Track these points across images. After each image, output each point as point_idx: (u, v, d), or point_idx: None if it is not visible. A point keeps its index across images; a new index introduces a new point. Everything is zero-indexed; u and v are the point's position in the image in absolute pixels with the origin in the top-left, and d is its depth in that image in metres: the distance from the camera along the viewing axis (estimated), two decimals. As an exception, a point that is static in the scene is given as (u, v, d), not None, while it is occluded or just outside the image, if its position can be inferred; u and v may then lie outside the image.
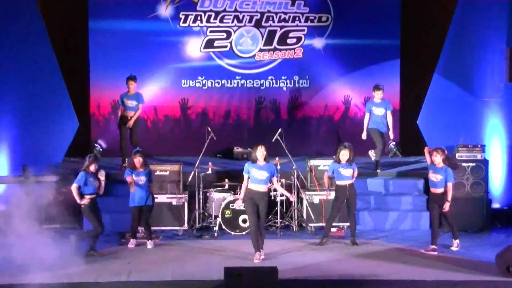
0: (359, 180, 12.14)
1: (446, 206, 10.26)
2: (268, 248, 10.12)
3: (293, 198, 10.83)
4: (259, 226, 9.89)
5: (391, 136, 12.78)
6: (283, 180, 11.69)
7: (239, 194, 11.18)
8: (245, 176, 9.97)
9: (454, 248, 10.48)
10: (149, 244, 10.66)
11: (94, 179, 10.24)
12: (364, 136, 12.71)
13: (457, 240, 10.54)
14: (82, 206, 10.20)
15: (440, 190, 10.36)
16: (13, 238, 9.92)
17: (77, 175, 10.22)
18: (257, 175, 9.85)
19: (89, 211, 10.21)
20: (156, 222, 11.44)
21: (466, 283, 8.76)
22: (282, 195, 11.50)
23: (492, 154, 12.53)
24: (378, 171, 12.60)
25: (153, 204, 10.85)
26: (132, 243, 10.70)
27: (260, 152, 9.89)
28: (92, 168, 10.22)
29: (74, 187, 10.10)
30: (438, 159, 10.35)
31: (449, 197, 10.29)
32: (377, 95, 12.69)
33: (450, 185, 10.32)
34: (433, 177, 10.41)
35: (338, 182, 10.79)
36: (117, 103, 13.31)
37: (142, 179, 10.65)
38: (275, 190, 11.26)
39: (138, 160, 10.67)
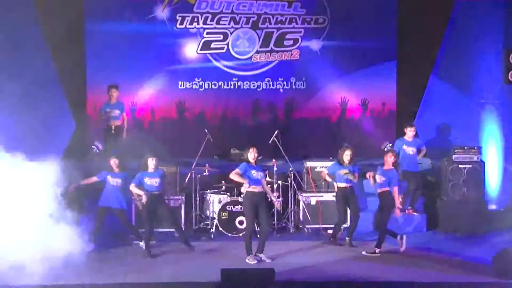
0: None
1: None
2: (265, 250, 10.12)
3: (276, 203, 10.64)
4: (268, 226, 9.93)
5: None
6: (279, 182, 11.69)
7: (236, 195, 11.24)
8: (239, 171, 9.88)
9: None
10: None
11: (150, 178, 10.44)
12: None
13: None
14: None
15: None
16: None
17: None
18: (256, 176, 9.88)
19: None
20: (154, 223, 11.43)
21: (463, 284, 8.77)
22: (279, 196, 11.54)
23: (488, 156, 12.55)
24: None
25: (126, 208, 10.91)
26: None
27: (252, 154, 9.90)
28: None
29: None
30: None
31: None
32: (410, 133, 12.04)
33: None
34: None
35: (339, 184, 10.80)
36: (100, 111, 12.99)
37: (117, 181, 10.68)
38: (270, 187, 11.32)
39: (114, 161, 10.76)
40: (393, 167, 10.45)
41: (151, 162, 10.50)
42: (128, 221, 10.95)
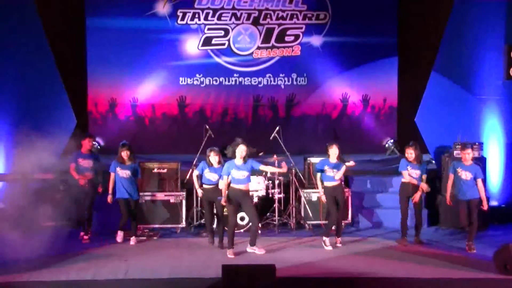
0: (357, 178, 12.18)
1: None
2: (266, 246, 10.13)
3: (284, 169, 10.21)
4: (256, 221, 9.95)
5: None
6: (281, 178, 11.69)
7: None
8: (225, 178, 9.90)
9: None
10: (132, 241, 10.71)
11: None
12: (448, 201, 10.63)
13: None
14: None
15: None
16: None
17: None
18: (237, 176, 9.86)
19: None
20: (153, 220, 11.46)
21: (464, 280, 8.76)
22: (280, 192, 11.54)
23: (490, 152, 12.54)
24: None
25: (138, 198, 10.90)
26: (119, 236, 10.78)
27: (240, 151, 9.89)
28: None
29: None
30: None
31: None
32: (467, 156, 10.39)
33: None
34: None
35: (326, 183, 10.49)
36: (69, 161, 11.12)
37: (127, 173, 10.66)
38: (271, 184, 11.29)
39: (125, 153, 10.70)
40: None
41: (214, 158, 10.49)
42: (136, 213, 10.89)
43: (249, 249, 10.01)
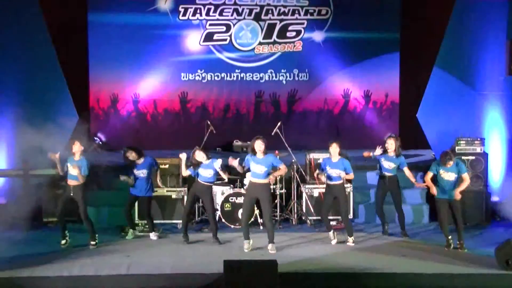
0: (359, 173, 12.15)
1: None
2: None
3: (283, 170, 10.05)
4: (266, 217, 9.90)
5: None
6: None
7: (238, 187, 11.28)
8: (243, 164, 9.96)
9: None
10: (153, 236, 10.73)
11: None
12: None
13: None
14: None
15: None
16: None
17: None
18: (255, 169, 9.84)
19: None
20: (155, 215, 11.47)
21: (466, 276, 8.76)
22: (282, 188, 11.55)
23: (491, 147, 12.53)
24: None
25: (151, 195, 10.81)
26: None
27: (258, 145, 9.81)
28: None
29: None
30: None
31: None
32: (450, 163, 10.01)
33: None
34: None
35: (328, 181, 10.40)
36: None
37: (143, 172, 10.62)
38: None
39: (131, 155, 10.55)
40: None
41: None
42: (148, 210, 10.82)
43: (269, 247, 9.85)
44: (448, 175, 9.95)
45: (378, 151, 10.81)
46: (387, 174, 10.76)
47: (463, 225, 10.24)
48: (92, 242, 10.15)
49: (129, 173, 10.55)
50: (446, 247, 10.06)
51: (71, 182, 10.08)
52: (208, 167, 10.27)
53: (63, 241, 10.24)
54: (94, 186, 11.33)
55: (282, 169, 9.97)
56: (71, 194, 10.07)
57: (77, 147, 10.15)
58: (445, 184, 9.97)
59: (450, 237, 10.09)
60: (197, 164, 10.31)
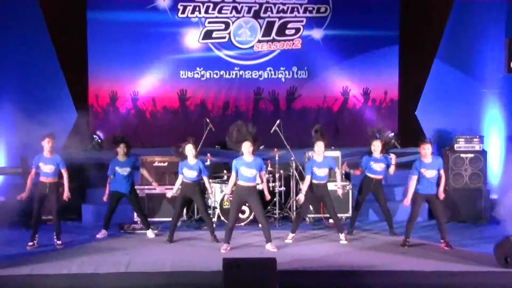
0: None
1: None
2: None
3: (268, 198, 10.13)
4: (261, 219, 9.88)
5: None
6: (281, 171, 11.69)
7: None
8: (233, 173, 9.85)
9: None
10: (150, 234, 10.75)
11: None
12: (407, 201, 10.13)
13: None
14: None
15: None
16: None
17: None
18: (246, 173, 9.75)
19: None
20: (154, 213, 11.47)
21: (465, 273, 8.76)
22: (281, 186, 11.56)
23: (490, 145, 12.54)
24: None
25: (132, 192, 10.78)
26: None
27: (246, 147, 9.69)
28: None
29: None
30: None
31: None
32: (426, 151, 9.92)
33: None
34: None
35: (313, 181, 10.25)
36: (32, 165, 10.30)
37: (126, 170, 10.61)
38: (268, 181, 11.22)
39: (121, 149, 10.60)
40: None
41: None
42: (139, 207, 10.86)
43: (268, 247, 9.84)
44: (430, 173, 9.88)
45: (345, 167, 10.91)
46: (376, 176, 10.62)
47: (445, 221, 10.17)
48: (58, 242, 10.07)
49: (112, 170, 10.59)
50: (401, 245, 10.05)
51: (47, 180, 10.00)
52: (193, 169, 10.22)
53: (31, 243, 9.95)
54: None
55: (264, 178, 10.03)
56: (47, 191, 9.98)
57: (50, 144, 9.99)
58: (426, 181, 9.89)
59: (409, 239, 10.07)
60: (183, 155, 10.24)
